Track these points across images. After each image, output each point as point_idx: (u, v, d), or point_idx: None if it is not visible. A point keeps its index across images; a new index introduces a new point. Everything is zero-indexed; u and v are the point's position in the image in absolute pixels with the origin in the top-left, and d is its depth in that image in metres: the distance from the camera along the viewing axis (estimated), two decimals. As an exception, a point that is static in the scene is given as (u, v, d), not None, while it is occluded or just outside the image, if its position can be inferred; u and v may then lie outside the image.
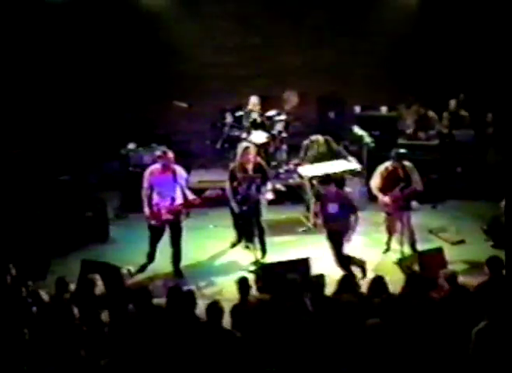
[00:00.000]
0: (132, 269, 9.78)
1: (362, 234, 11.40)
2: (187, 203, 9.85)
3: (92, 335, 7.19)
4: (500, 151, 12.49)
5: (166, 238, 10.01)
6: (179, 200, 9.79)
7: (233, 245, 10.94)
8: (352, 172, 11.78)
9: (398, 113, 13.83)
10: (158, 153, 9.95)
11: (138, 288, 8.17)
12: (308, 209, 11.96)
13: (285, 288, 7.65)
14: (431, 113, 13.33)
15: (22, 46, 13.23)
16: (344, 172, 11.64)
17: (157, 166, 9.85)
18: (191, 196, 9.89)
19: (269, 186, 10.68)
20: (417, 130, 13.22)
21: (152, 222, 9.83)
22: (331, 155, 11.83)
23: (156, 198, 9.76)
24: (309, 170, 11.65)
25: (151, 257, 10.02)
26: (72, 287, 8.07)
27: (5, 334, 7.18)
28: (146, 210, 9.78)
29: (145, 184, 9.80)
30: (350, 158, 11.91)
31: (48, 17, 13.25)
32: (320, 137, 12.07)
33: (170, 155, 9.80)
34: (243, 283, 7.76)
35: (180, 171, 9.87)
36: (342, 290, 7.68)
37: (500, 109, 13.15)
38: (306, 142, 12.13)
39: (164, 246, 10.03)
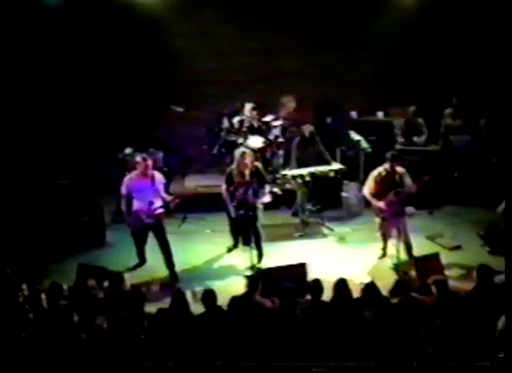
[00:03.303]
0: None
1: (358, 239, 11.46)
2: (165, 205, 9.97)
3: (89, 340, 7.18)
4: (494, 155, 12.53)
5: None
6: (157, 204, 9.88)
7: (230, 250, 10.95)
8: (338, 172, 11.80)
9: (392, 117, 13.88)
10: (137, 159, 10.01)
11: (132, 293, 8.16)
12: (296, 214, 12.01)
13: (279, 295, 7.70)
14: (420, 120, 13.35)
15: (18, 50, 13.17)
16: (329, 171, 11.68)
17: (136, 172, 9.98)
18: (168, 197, 10.01)
19: (267, 188, 10.67)
20: (408, 136, 13.25)
21: (134, 228, 9.99)
22: (315, 155, 11.88)
23: (135, 204, 9.89)
24: (293, 170, 11.77)
25: (141, 259, 10.19)
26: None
27: (2, 338, 7.18)
28: (127, 218, 9.96)
29: (124, 190, 9.95)
30: (334, 163, 11.96)
31: (44, 21, 13.20)
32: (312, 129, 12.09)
33: (149, 162, 9.93)
34: (253, 280, 7.97)
35: (158, 176, 10.03)
36: (338, 294, 7.70)
37: (493, 115, 13.16)
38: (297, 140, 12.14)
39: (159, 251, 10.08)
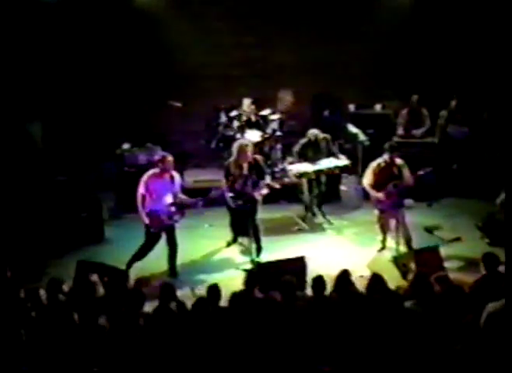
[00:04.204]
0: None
1: (357, 232, 11.47)
2: (186, 207, 9.86)
3: (89, 337, 7.16)
4: (496, 148, 12.51)
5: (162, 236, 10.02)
6: (174, 205, 9.75)
7: (229, 244, 10.94)
8: (343, 169, 11.80)
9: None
10: (157, 157, 9.84)
11: (132, 290, 8.16)
12: (306, 208, 11.97)
13: (280, 289, 7.68)
14: (424, 111, 13.31)
15: (16, 46, 13.15)
16: (335, 168, 11.66)
17: (155, 171, 9.77)
18: (189, 200, 9.88)
19: (267, 179, 10.63)
20: (409, 127, 13.21)
21: (152, 230, 9.76)
22: (326, 153, 11.80)
23: (153, 205, 9.66)
24: (298, 167, 11.68)
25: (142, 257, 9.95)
26: (66, 287, 8.05)
27: (2, 335, 7.17)
28: (146, 219, 9.67)
29: (142, 189, 9.69)
30: (341, 155, 11.92)
31: (42, 17, 13.19)
32: (318, 133, 11.98)
33: (170, 158, 9.73)
34: (251, 276, 7.93)
35: (176, 177, 9.86)
36: (340, 286, 7.67)
37: (496, 108, 13.15)
38: (304, 140, 12.03)
39: (158, 247, 10.00)
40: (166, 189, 9.71)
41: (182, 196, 9.90)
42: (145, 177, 9.75)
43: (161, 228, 9.78)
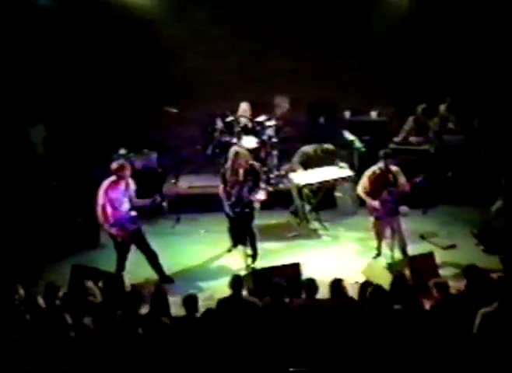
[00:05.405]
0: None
1: (352, 239, 11.47)
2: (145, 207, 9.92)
3: (82, 341, 7.16)
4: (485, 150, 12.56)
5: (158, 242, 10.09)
6: (133, 209, 9.74)
7: (230, 250, 10.89)
8: (345, 180, 11.85)
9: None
10: (115, 166, 9.70)
11: (130, 293, 8.14)
12: (295, 214, 11.99)
13: (270, 292, 7.73)
14: (429, 121, 13.32)
15: (11, 51, 13.20)
16: (337, 180, 11.73)
17: (113, 179, 9.67)
18: (145, 200, 9.87)
19: (262, 185, 10.64)
20: (410, 136, 13.21)
21: (119, 239, 9.74)
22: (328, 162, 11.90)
23: (114, 214, 9.60)
24: (301, 177, 11.69)
25: (122, 268, 9.89)
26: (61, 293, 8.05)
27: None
28: (111, 230, 9.65)
29: (103, 200, 9.58)
30: (342, 164, 11.96)
31: (38, 22, 13.22)
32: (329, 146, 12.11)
33: (128, 167, 9.73)
34: (236, 281, 7.92)
35: (131, 183, 9.79)
36: (334, 294, 7.70)
37: (487, 114, 13.19)
38: (309, 150, 12.09)
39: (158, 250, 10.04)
40: (124, 196, 9.65)
41: (137, 200, 9.84)
42: (104, 187, 9.63)
43: (127, 236, 9.74)
